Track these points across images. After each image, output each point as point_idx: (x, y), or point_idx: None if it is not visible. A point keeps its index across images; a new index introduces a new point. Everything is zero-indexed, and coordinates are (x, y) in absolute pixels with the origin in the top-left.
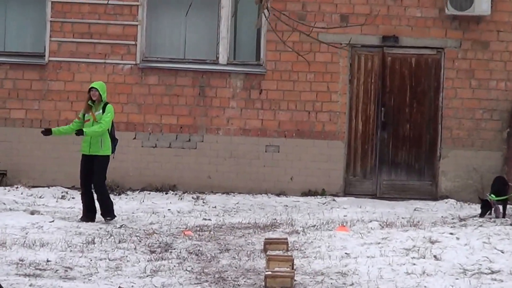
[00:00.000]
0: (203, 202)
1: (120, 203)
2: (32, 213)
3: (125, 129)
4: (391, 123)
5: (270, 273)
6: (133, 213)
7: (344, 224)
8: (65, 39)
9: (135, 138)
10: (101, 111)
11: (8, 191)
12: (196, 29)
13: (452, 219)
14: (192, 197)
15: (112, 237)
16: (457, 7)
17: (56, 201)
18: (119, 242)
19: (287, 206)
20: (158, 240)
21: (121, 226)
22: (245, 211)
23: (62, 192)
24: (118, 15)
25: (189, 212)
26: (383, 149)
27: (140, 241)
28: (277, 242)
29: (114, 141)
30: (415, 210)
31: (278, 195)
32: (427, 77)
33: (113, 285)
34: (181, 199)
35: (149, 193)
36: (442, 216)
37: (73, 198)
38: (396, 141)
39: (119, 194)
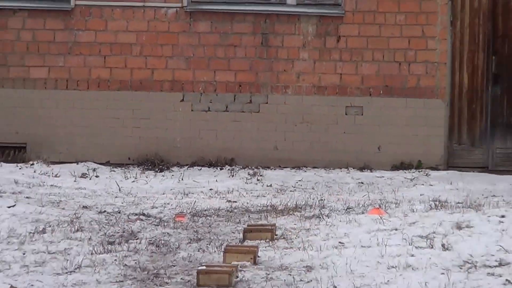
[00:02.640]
0: (258, 180)
1: (154, 182)
2: None
3: (170, 89)
4: (506, 76)
5: (203, 268)
6: (156, 194)
7: (380, 206)
8: None
9: (182, 100)
10: None
11: (20, 168)
12: None
13: None
14: (249, 173)
15: (71, 225)
16: None
17: (74, 181)
18: (76, 231)
19: (362, 183)
20: (124, 228)
21: (100, 212)
22: (304, 190)
23: (87, 169)
24: None
25: (228, 193)
26: (496, 108)
27: (100, 230)
28: (260, 230)
29: None
30: None
31: (361, 169)
32: None
33: (4, 284)
34: (233, 176)
35: (199, 169)
36: None
37: (96, 176)
38: None
39: (161, 171)
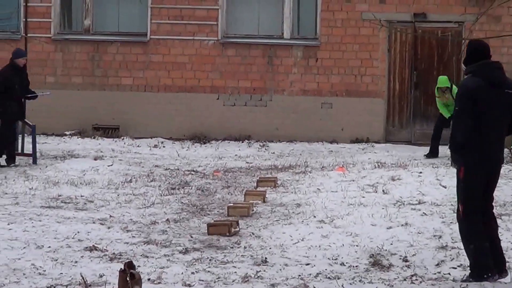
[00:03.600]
0: (265, 149)
1: (200, 150)
2: (95, 158)
3: (210, 91)
4: (422, 84)
5: (231, 204)
6: (201, 158)
7: (343, 165)
8: (162, 21)
9: (218, 98)
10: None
11: (115, 141)
12: (265, 11)
13: (448, 159)
14: (260, 145)
15: (147, 177)
16: None
17: (149, 149)
18: (151, 181)
19: (332, 151)
20: (181, 179)
21: (166, 169)
22: (295, 156)
23: (158, 142)
24: (203, 1)
25: (247, 157)
26: (416, 104)
27: (166, 180)
28: (267, 180)
29: None
30: None
31: (330, 142)
32: (451, 45)
33: (106, 214)
34: (250, 146)
35: (228, 142)
36: (448, 158)
37: (163, 147)
38: (426, 98)
39: (204, 144)
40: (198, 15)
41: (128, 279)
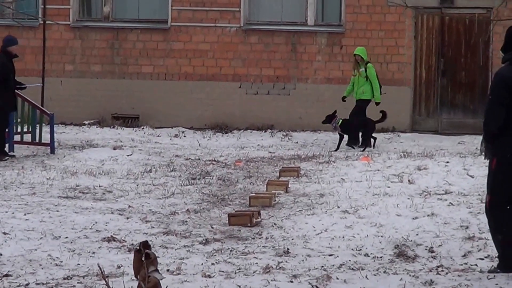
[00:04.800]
0: (288, 139)
1: (221, 140)
2: (114, 148)
3: (232, 79)
4: (450, 71)
5: (253, 194)
6: (223, 147)
7: (368, 155)
8: (183, 8)
9: (240, 87)
10: (363, 68)
11: (135, 131)
12: None
13: (476, 149)
14: (283, 134)
15: (168, 167)
16: None
17: (170, 139)
18: (171, 171)
19: None
20: (202, 169)
21: (186, 159)
22: (318, 145)
23: (178, 132)
24: None
25: (269, 147)
26: (443, 93)
27: (187, 170)
28: (290, 170)
29: None
30: (458, 143)
31: None
32: (479, 32)
33: (125, 205)
34: (273, 136)
35: (251, 132)
36: (476, 148)
37: (184, 136)
38: (454, 86)
39: (226, 133)
40: (220, 1)
41: (143, 259)
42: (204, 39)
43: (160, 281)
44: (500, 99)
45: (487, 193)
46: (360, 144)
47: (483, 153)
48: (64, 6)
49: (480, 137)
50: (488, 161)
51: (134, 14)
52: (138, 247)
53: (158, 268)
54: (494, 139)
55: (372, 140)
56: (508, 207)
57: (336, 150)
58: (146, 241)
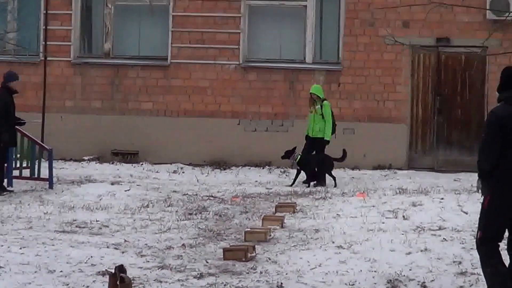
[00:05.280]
0: (286, 175)
1: (219, 176)
2: (112, 183)
3: (231, 116)
4: (446, 109)
5: (248, 229)
6: (221, 183)
7: (364, 191)
8: (183, 45)
9: (239, 124)
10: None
11: (134, 167)
12: (287, 35)
13: (472, 186)
14: (280, 171)
15: (165, 202)
16: (497, 14)
17: (168, 175)
18: (168, 206)
19: (353, 177)
20: (198, 204)
21: (184, 194)
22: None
23: (177, 168)
24: (225, 25)
25: (267, 183)
26: (439, 130)
27: (184, 205)
28: (286, 206)
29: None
30: (454, 180)
31: (352, 169)
32: (474, 71)
33: (120, 239)
34: (270, 173)
35: (249, 168)
36: (471, 185)
37: (183, 172)
38: (450, 124)
39: (224, 169)
40: (219, 39)
41: (118, 283)
42: (204, 76)
43: None
44: (493, 137)
45: (479, 229)
46: (316, 182)
47: (480, 190)
48: (65, 43)
49: (476, 175)
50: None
51: (135, 51)
52: (113, 271)
53: None
54: (488, 177)
55: (331, 178)
56: (498, 243)
57: (291, 185)
58: (122, 265)
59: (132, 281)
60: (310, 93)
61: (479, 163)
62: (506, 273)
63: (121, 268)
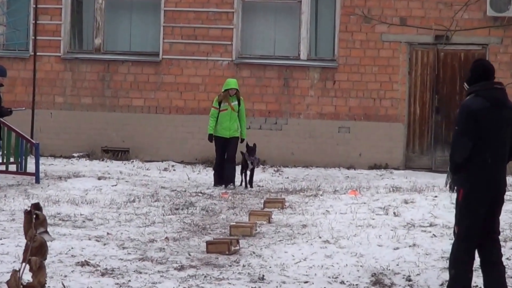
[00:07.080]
0: (279, 174)
1: (211, 174)
2: (99, 178)
3: None
4: (444, 108)
5: (234, 223)
6: (212, 181)
7: (356, 189)
8: (175, 41)
9: None
10: (236, 102)
11: (124, 164)
12: (281, 31)
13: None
14: (274, 170)
15: (152, 197)
16: (497, 10)
17: (159, 172)
18: (155, 201)
19: (348, 177)
20: (186, 200)
21: (172, 190)
22: (309, 181)
23: (168, 165)
24: (217, 20)
25: (260, 181)
26: (437, 130)
27: (171, 200)
28: (275, 201)
29: None
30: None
31: (348, 168)
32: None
33: (103, 232)
34: (264, 171)
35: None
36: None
37: (174, 170)
38: (448, 123)
39: None
40: (212, 35)
41: (33, 220)
42: (196, 72)
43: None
44: (465, 130)
45: (455, 224)
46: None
47: (449, 186)
48: (55, 38)
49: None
50: (453, 193)
51: (126, 47)
52: (28, 209)
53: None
54: (460, 170)
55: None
56: (474, 245)
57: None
58: (38, 203)
59: (111, 272)
60: (228, 89)
61: (451, 156)
62: (469, 282)
63: (36, 206)
